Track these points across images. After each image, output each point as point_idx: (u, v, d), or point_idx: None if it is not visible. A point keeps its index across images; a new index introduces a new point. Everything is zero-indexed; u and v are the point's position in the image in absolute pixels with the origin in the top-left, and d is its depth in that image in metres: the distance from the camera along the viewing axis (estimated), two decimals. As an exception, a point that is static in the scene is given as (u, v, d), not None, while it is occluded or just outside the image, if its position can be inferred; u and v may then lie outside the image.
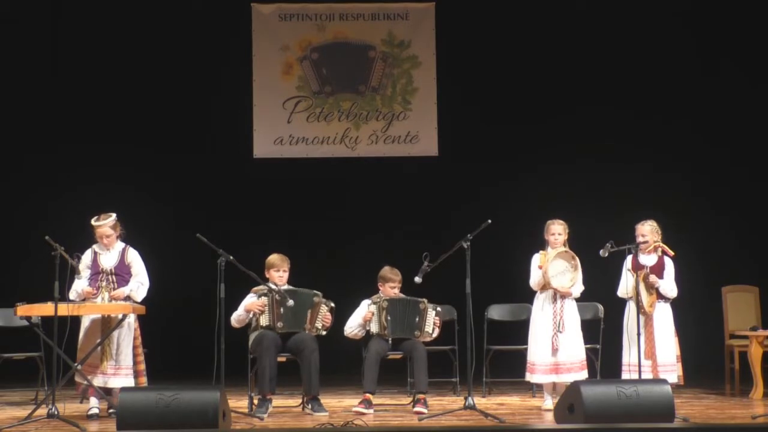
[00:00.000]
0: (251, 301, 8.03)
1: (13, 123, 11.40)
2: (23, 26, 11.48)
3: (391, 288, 8.26)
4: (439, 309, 8.30)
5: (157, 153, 11.41)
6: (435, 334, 8.30)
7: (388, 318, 8.10)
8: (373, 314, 8.15)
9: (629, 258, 8.10)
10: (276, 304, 7.92)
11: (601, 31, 11.55)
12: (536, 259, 8.23)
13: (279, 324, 7.91)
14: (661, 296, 8.15)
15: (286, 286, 8.10)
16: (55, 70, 11.56)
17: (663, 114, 11.54)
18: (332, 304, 8.14)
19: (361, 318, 8.20)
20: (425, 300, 8.22)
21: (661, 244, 8.23)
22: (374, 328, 8.15)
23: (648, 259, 8.22)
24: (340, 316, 8.27)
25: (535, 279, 8.19)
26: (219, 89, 11.53)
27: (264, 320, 7.94)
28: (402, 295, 8.28)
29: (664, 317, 8.16)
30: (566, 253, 8.09)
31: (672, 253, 8.21)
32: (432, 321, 8.21)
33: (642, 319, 8.03)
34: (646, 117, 11.49)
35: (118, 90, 11.47)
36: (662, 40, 11.59)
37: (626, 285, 8.13)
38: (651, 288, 8.11)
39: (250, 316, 8.02)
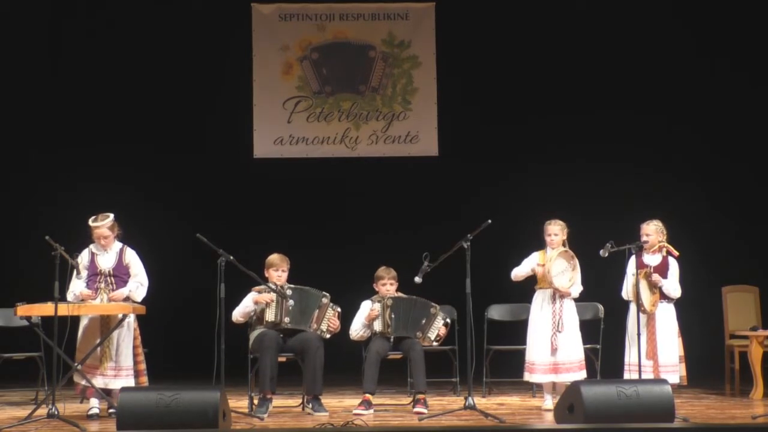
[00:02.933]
0: (259, 294, 7.99)
1: (13, 123, 11.40)
2: (23, 26, 11.48)
3: (383, 285, 8.25)
4: (448, 320, 8.28)
5: (157, 153, 11.41)
6: (435, 343, 8.30)
7: (392, 316, 8.09)
8: (377, 312, 8.15)
9: (633, 258, 7.98)
10: (283, 299, 7.89)
11: (601, 31, 11.54)
12: (534, 256, 8.22)
13: (286, 319, 7.87)
14: (664, 296, 8.14)
15: (288, 286, 8.09)
16: (55, 70, 11.56)
17: (663, 114, 11.53)
18: (339, 309, 8.09)
19: (365, 318, 8.19)
20: (437, 306, 8.21)
21: (666, 245, 8.20)
22: (378, 326, 8.13)
23: (652, 259, 8.19)
24: (343, 316, 8.25)
25: (521, 271, 8.17)
26: (219, 89, 11.53)
27: (270, 315, 7.89)
28: (402, 294, 8.27)
29: (667, 318, 8.14)
30: (566, 252, 8.09)
31: (677, 253, 8.17)
32: (437, 328, 8.19)
33: (644, 319, 8.02)
34: (647, 117, 11.48)
35: (119, 90, 11.47)
36: (663, 40, 11.57)
37: (627, 287, 8.12)
38: (654, 287, 8.09)
39: (256, 308, 7.98)
